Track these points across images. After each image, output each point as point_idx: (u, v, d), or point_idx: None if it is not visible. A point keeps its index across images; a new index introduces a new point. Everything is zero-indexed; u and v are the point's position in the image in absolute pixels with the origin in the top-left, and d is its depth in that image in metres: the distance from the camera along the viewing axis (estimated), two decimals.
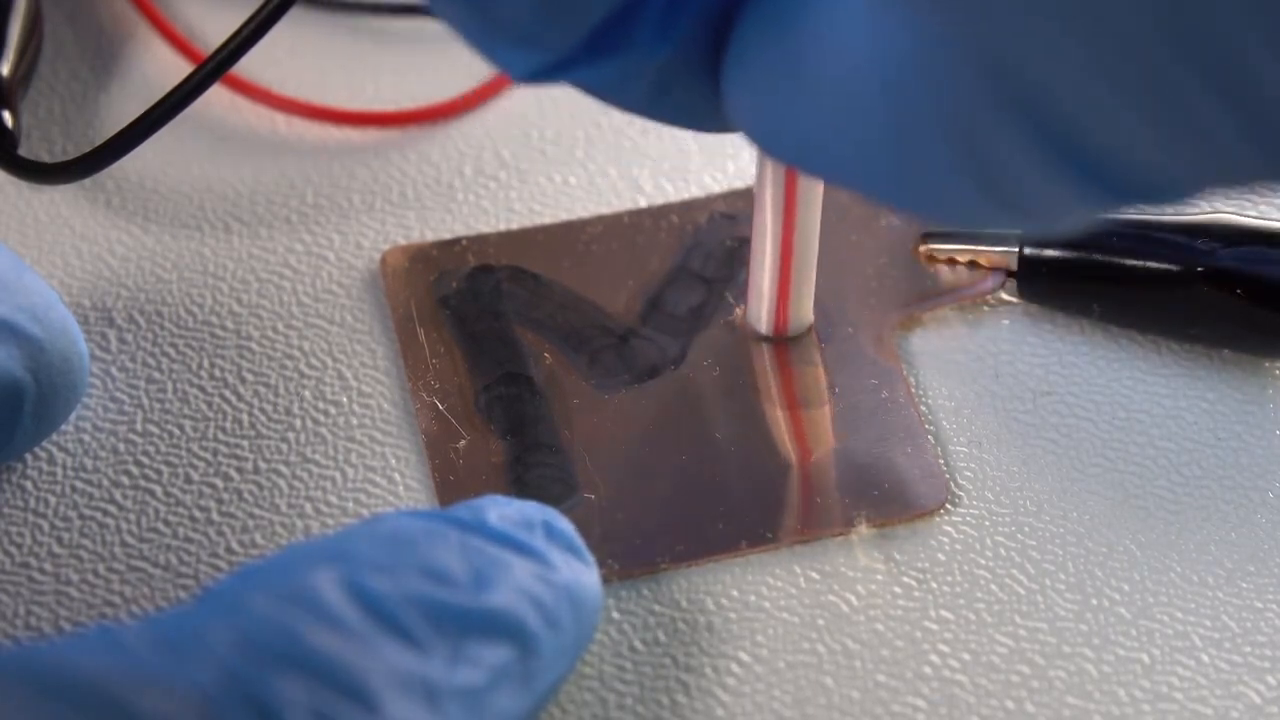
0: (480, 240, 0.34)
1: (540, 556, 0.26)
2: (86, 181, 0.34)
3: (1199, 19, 0.15)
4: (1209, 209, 0.32)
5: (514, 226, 0.34)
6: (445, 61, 0.37)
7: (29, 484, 0.30)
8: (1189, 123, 0.16)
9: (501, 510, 0.26)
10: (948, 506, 0.30)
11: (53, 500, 0.30)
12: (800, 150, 0.22)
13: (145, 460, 0.31)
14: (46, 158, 0.35)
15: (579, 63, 0.22)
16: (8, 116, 0.33)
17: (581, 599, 0.26)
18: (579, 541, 0.27)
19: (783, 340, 0.32)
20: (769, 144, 0.23)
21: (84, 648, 0.23)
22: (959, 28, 0.17)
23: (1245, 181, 0.17)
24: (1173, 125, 0.16)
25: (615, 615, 0.29)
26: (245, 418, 0.31)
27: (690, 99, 0.23)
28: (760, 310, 0.31)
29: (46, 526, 0.30)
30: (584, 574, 0.26)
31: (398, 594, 0.24)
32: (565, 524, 0.27)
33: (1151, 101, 0.16)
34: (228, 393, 0.31)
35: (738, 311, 0.32)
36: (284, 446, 0.31)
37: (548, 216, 0.34)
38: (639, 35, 0.22)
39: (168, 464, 0.31)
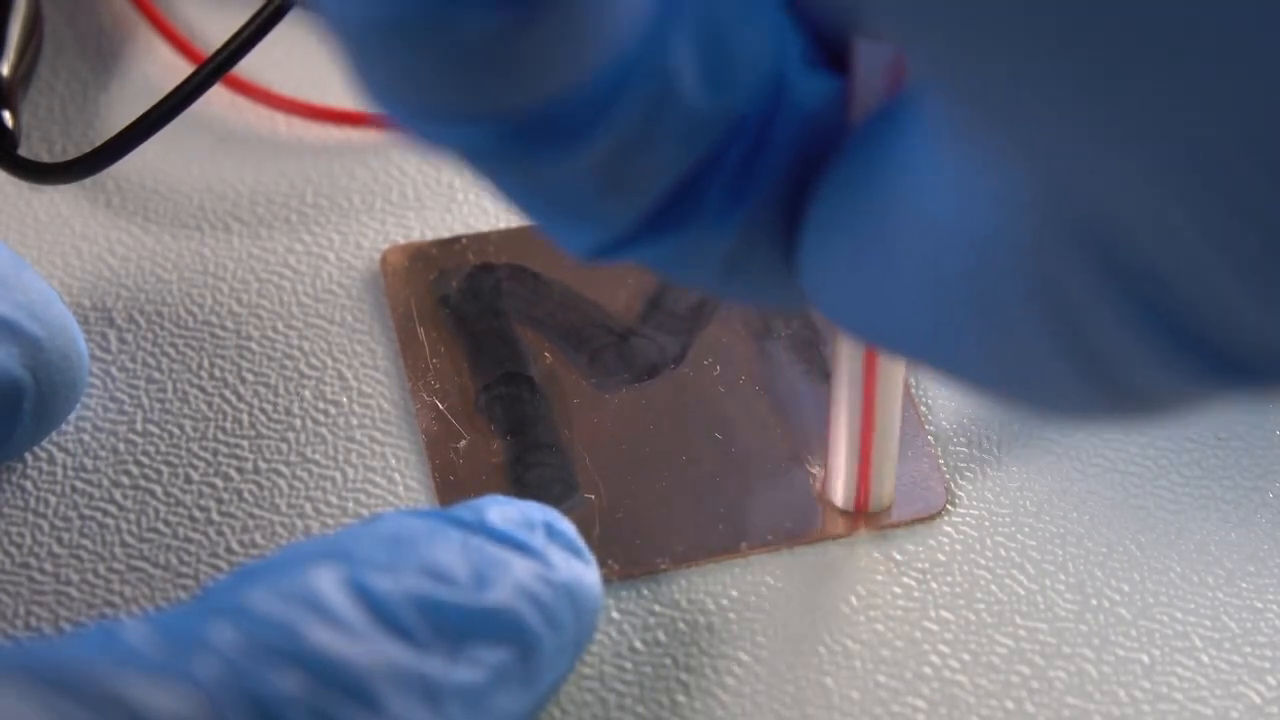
0: (480, 239, 0.34)
1: (540, 556, 0.26)
2: (86, 181, 0.34)
3: None
4: None
5: (514, 225, 0.34)
6: None
7: (29, 484, 0.30)
8: None
9: (502, 510, 0.26)
10: (948, 507, 0.30)
11: (53, 500, 0.30)
12: (880, 333, 0.20)
13: (145, 460, 0.31)
14: (46, 158, 0.35)
15: (642, 240, 0.21)
16: (8, 116, 0.33)
17: (582, 598, 0.26)
18: (579, 542, 0.27)
19: (861, 515, 0.30)
20: (850, 325, 0.21)
21: (86, 645, 0.23)
22: (1047, 188, 0.16)
23: None
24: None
25: (615, 615, 0.29)
26: (245, 417, 0.31)
27: (763, 275, 0.22)
28: (838, 485, 0.30)
29: (46, 526, 0.30)
30: (584, 574, 0.26)
31: (398, 593, 0.24)
32: (566, 524, 0.27)
33: (1256, 261, 0.14)
34: (228, 392, 0.31)
35: (816, 477, 0.30)
36: (284, 446, 0.31)
37: None
38: (704, 211, 0.21)
39: (168, 464, 0.31)
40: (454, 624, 0.24)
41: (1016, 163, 0.16)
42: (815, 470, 0.30)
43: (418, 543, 0.25)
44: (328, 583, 0.24)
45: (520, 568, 0.25)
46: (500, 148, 0.19)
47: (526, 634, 0.25)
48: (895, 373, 0.27)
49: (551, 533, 0.26)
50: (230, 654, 0.23)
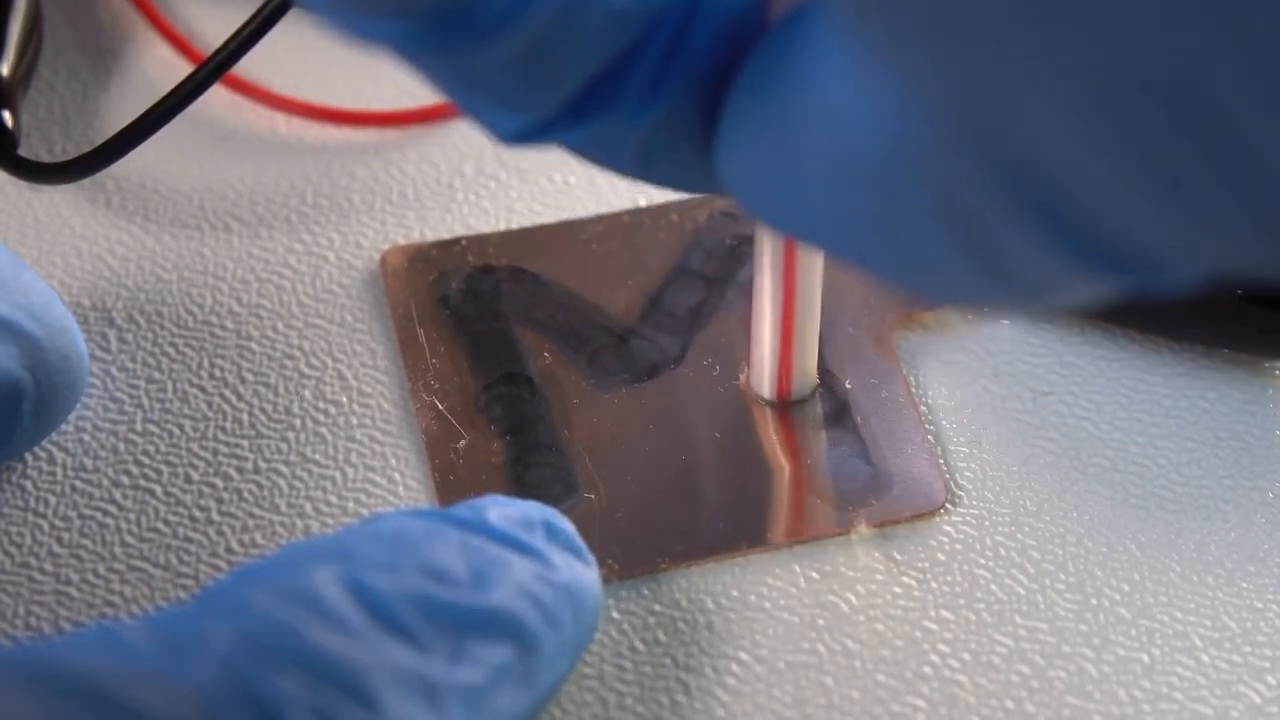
0: (480, 240, 0.34)
1: (540, 556, 0.26)
2: (86, 181, 0.34)
3: (1198, 94, 0.14)
4: None
5: (514, 226, 0.34)
6: None
7: (29, 484, 0.30)
8: (1189, 199, 0.16)
9: (502, 510, 0.26)
10: (947, 506, 0.30)
11: (53, 500, 0.30)
12: (793, 223, 0.21)
13: (145, 460, 0.31)
14: (46, 157, 0.35)
15: (563, 124, 0.22)
16: (8, 116, 0.33)
17: (582, 598, 0.26)
18: (579, 541, 0.27)
19: (786, 405, 0.31)
20: (762, 214, 0.22)
21: (85, 646, 0.23)
22: (950, 101, 0.17)
23: (1249, 261, 0.17)
24: (1172, 202, 0.16)
25: (615, 615, 0.29)
26: (245, 417, 0.31)
27: (681, 163, 0.23)
28: (763, 375, 0.31)
29: (46, 526, 0.30)
30: (584, 574, 0.26)
31: (398, 592, 0.24)
32: (565, 524, 0.27)
33: (1151, 177, 0.16)
34: (228, 392, 0.31)
35: (741, 376, 0.31)
36: (284, 446, 0.31)
37: (548, 216, 0.34)
38: (625, 98, 0.21)
39: (168, 464, 0.31)
40: (454, 623, 0.24)
41: (920, 74, 0.17)
42: (742, 370, 0.31)
43: (417, 542, 0.25)
44: (326, 582, 0.24)
45: (520, 567, 0.25)
46: (427, 40, 0.20)
47: (526, 634, 0.25)
48: (815, 259, 0.28)
49: (551, 532, 0.26)
50: (229, 654, 0.23)
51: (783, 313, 0.29)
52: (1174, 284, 0.18)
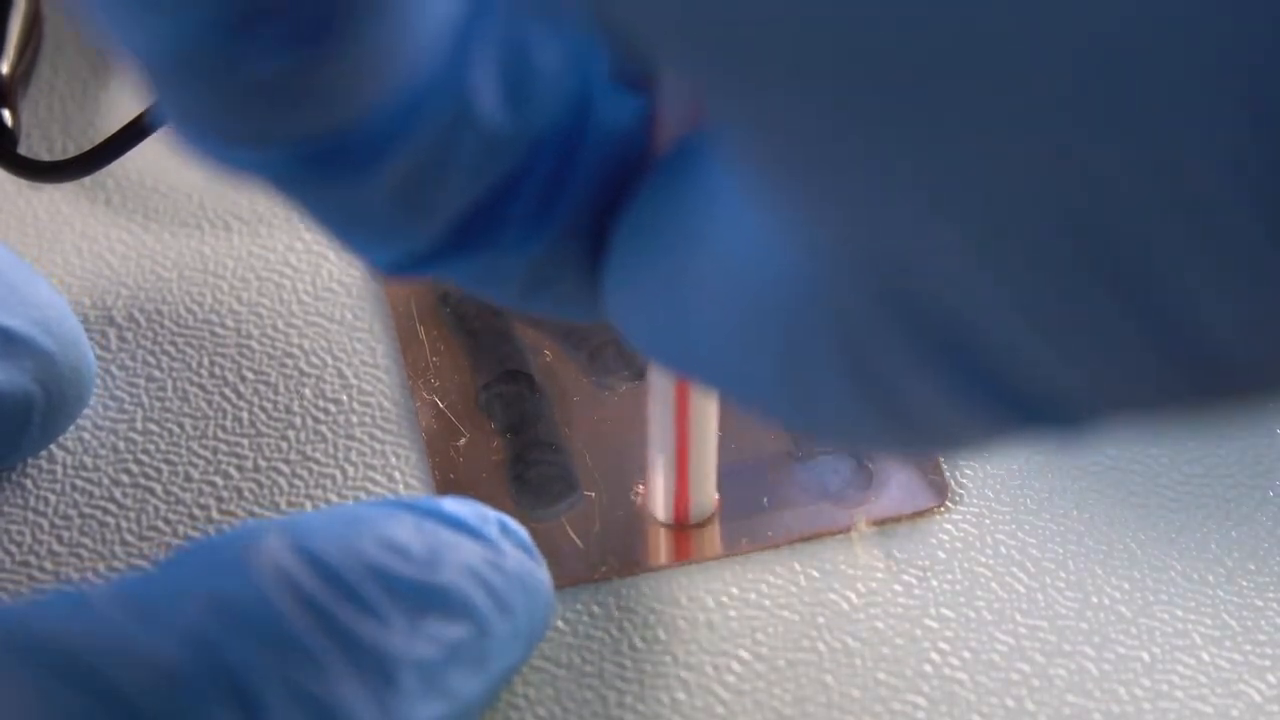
0: None
1: (492, 544, 0.26)
2: (86, 180, 0.34)
3: (1111, 233, 0.13)
4: None
5: None
6: None
7: (29, 483, 0.30)
8: (1096, 338, 0.14)
9: (456, 502, 0.26)
10: (948, 504, 0.30)
11: (53, 499, 0.30)
12: (681, 364, 0.20)
13: (145, 458, 0.31)
14: (46, 156, 0.35)
15: (442, 258, 0.21)
16: (7, 115, 0.33)
17: (534, 590, 0.26)
18: (532, 544, 0.27)
19: (683, 528, 0.30)
20: (650, 353, 0.21)
21: (55, 613, 0.23)
22: (843, 244, 0.16)
23: (1170, 407, 0.15)
24: (1085, 349, 0.14)
25: (615, 613, 0.29)
26: (245, 416, 0.31)
27: (567, 295, 0.22)
28: (658, 501, 0.30)
29: (46, 525, 0.30)
30: (536, 570, 0.26)
31: (357, 566, 0.24)
32: (520, 528, 0.27)
33: (1060, 322, 0.14)
34: (228, 391, 0.31)
35: (639, 491, 0.30)
36: (284, 444, 0.31)
37: None
38: (507, 230, 0.20)
39: (167, 462, 0.31)
40: (410, 598, 0.24)
41: (814, 219, 0.16)
42: (639, 489, 0.30)
43: (372, 521, 0.25)
44: (287, 553, 0.24)
45: (471, 551, 0.25)
46: (296, 172, 0.19)
47: (478, 615, 0.25)
48: (707, 393, 0.27)
49: (505, 529, 0.27)
50: (200, 623, 0.23)
51: (676, 447, 0.28)
52: (1092, 435, 0.16)
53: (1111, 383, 0.15)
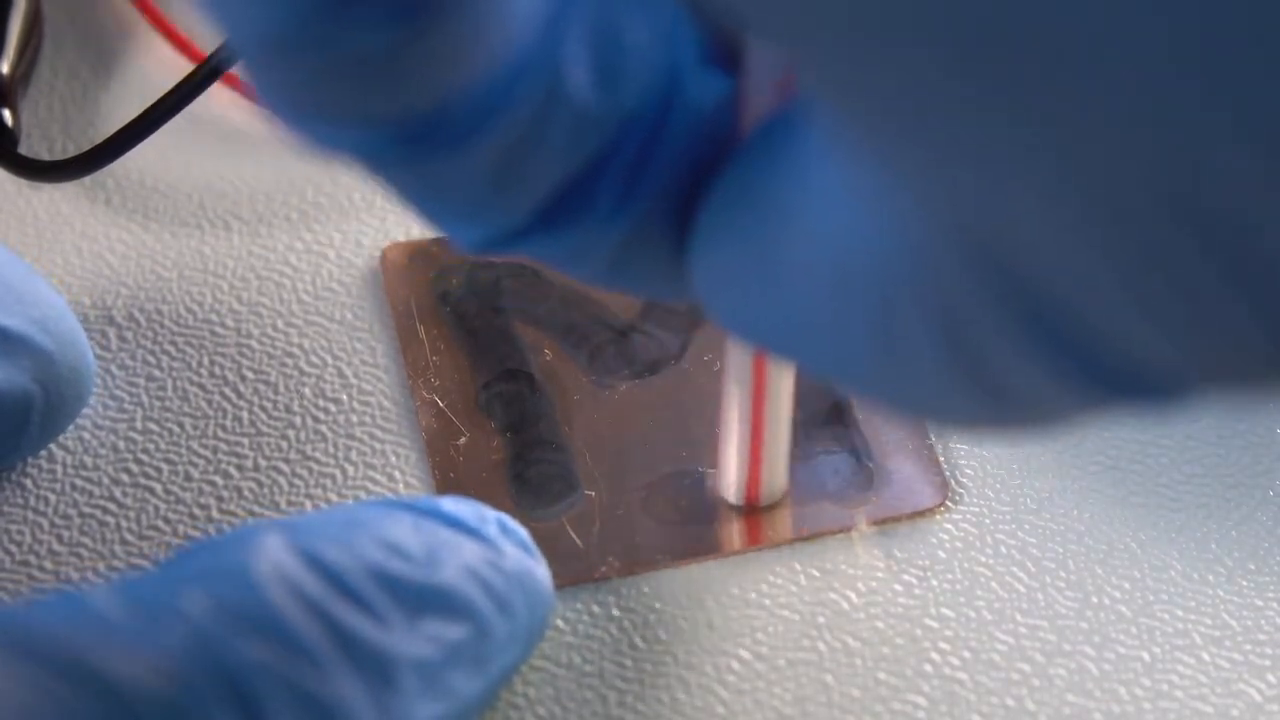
0: None
1: (492, 543, 0.26)
2: (86, 180, 0.34)
3: (1209, 194, 0.13)
4: None
5: None
6: None
7: (29, 482, 0.30)
8: (1201, 314, 0.14)
9: (455, 502, 0.26)
10: (948, 504, 0.30)
11: (52, 498, 0.30)
12: (771, 339, 0.20)
13: (145, 458, 0.31)
14: (46, 156, 0.35)
15: (530, 235, 0.21)
16: (8, 114, 0.33)
17: (533, 590, 0.26)
18: (531, 543, 0.27)
19: (754, 510, 0.30)
20: (738, 330, 0.21)
21: (54, 613, 0.23)
22: (944, 213, 0.16)
23: (1266, 381, 0.15)
24: (1183, 316, 0.14)
25: (615, 612, 0.29)
26: (245, 415, 0.31)
27: (653, 272, 0.22)
28: (729, 482, 0.30)
29: (46, 525, 0.30)
30: (536, 569, 0.26)
31: (355, 565, 0.24)
32: (519, 527, 0.27)
33: (1157, 290, 0.14)
34: (228, 390, 0.31)
35: (710, 475, 0.30)
36: (284, 444, 0.31)
37: None
38: (595, 208, 0.21)
39: (167, 461, 0.31)
40: (410, 598, 0.24)
41: (910, 185, 0.16)
42: (709, 469, 0.30)
43: (372, 521, 0.25)
44: (287, 554, 0.24)
45: (470, 551, 0.26)
46: (392, 151, 0.19)
47: (478, 615, 0.25)
48: (784, 371, 0.27)
49: (504, 528, 0.27)
50: (199, 622, 0.23)
51: (751, 426, 0.28)
52: (1184, 408, 0.16)
53: (1214, 357, 0.15)
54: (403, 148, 0.19)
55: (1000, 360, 0.16)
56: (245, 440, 0.31)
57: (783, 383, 0.27)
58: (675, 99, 0.20)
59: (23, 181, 0.34)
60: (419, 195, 0.20)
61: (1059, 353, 0.16)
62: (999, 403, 0.17)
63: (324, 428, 0.31)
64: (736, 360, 0.27)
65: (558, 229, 0.21)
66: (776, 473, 0.29)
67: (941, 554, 0.30)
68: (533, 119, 0.19)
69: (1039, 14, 0.12)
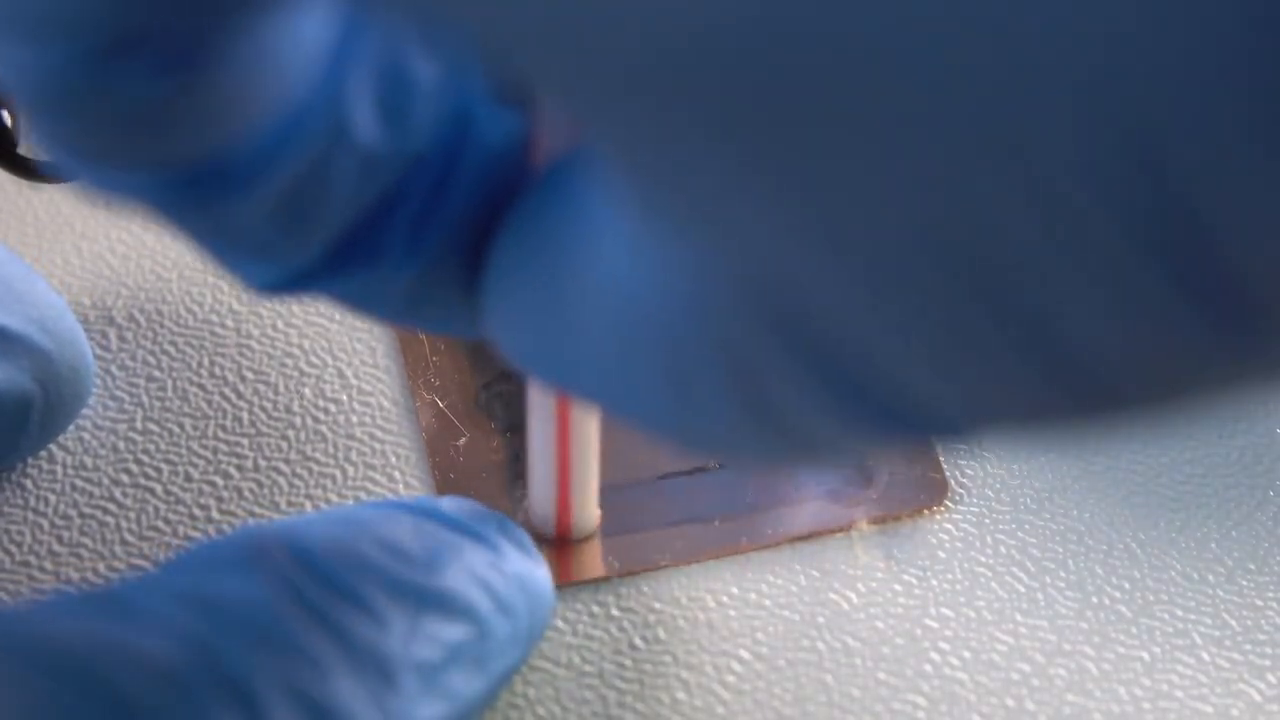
0: None
1: (492, 545, 0.26)
2: None
3: (985, 255, 0.13)
4: None
5: None
6: None
7: (29, 483, 0.30)
8: (979, 367, 0.14)
9: (455, 502, 0.26)
10: (948, 503, 0.30)
11: (52, 499, 0.30)
12: (564, 380, 0.20)
13: (145, 458, 0.31)
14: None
15: (321, 277, 0.21)
16: (7, 115, 0.33)
17: (534, 590, 0.26)
18: (530, 544, 0.27)
19: (566, 542, 0.29)
20: (531, 370, 0.21)
21: (52, 612, 0.23)
22: (721, 259, 0.15)
23: (1051, 417, 0.15)
24: (959, 366, 0.14)
25: (615, 612, 0.29)
26: (245, 415, 0.31)
27: (447, 312, 0.22)
28: (545, 515, 0.29)
29: (46, 525, 0.30)
30: (536, 569, 0.26)
31: (357, 567, 0.24)
32: (518, 527, 0.27)
33: (933, 339, 0.14)
34: (228, 390, 0.31)
35: (525, 506, 0.30)
36: (284, 444, 0.31)
37: None
38: (386, 249, 0.20)
39: (167, 462, 0.31)
40: (410, 599, 0.24)
41: (688, 239, 0.16)
42: (523, 501, 0.30)
43: (371, 523, 0.25)
44: (284, 556, 0.24)
45: (471, 552, 0.26)
46: (174, 195, 0.19)
47: (479, 617, 0.25)
48: (588, 408, 0.27)
49: (504, 528, 0.27)
50: (198, 627, 0.23)
51: (557, 462, 0.28)
52: (961, 440, 0.16)
53: (988, 397, 0.15)
54: (184, 192, 0.19)
55: (785, 401, 0.16)
56: (245, 441, 0.31)
57: (587, 416, 0.27)
58: (466, 137, 0.20)
59: (23, 182, 0.34)
60: (205, 238, 0.20)
61: (842, 394, 0.16)
62: (791, 442, 0.17)
63: (324, 428, 0.31)
64: (537, 395, 0.27)
65: (349, 270, 0.20)
66: (587, 507, 0.29)
67: (941, 554, 0.30)
68: (316, 163, 0.19)
69: (804, 88, 0.12)
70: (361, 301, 0.21)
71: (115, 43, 0.16)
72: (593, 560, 0.29)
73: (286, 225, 0.20)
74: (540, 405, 0.27)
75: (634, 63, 0.13)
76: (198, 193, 0.19)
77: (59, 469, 0.30)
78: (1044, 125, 0.12)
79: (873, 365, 0.15)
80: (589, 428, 0.27)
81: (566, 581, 0.29)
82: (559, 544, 0.29)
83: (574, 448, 0.27)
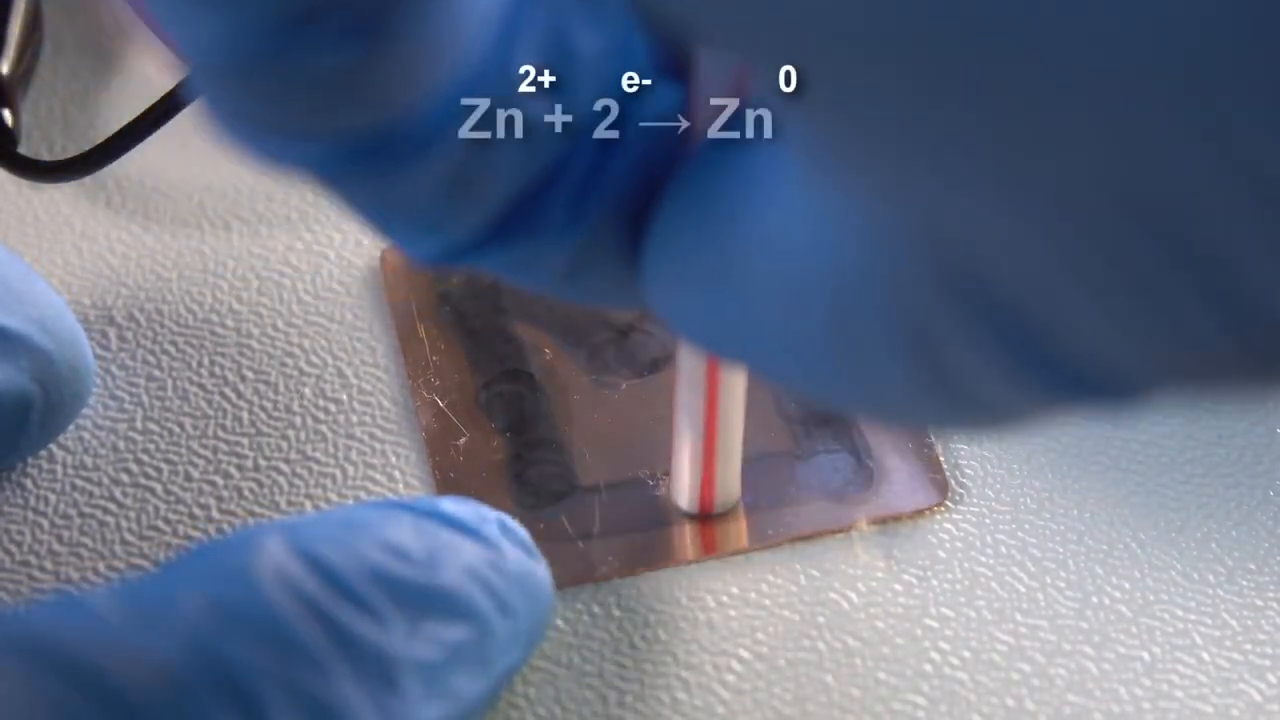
0: None
1: (493, 544, 0.26)
2: (87, 180, 0.34)
3: (1171, 204, 0.13)
4: None
5: None
6: None
7: (29, 482, 0.30)
8: (1165, 321, 0.14)
9: (456, 502, 0.26)
10: (948, 503, 0.30)
11: (53, 499, 0.30)
12: (729, 346, 0.20)
13: (145, 458, 0.31)
14: (47, 156, 0.35)
15: (484, 247, 0.21)
16: (8, 115, 0.33)
17: (534, 591, 0.26)
18: (532, 544, 0.27)
19: (708, 518, 0.30)
20: (693, 337, 0.21)
21: (53, 615, 0.23)
22: (909, 221, 0.16)
23: (1229, 387, 0.15)
24: (1146, 323, 0.15)
25: (616, 612, 0.29)
26: (245, 415, 0.31)
27: (606, 282, 0.22)
28: (683, 489, 0.29)
29: (46, 525, 0.30)
30: (536, 569, 0.26)
31: (357, 567, 0.24)
32: (519, 527, 0.27)
33: (1122, 298, 0.14)
34: (228, 390, 0.31)
35: (663, 485, 0.30)
36: (284, 444, 0.31)
37: None
38: (548, 220, 0.21)
39: (168, 461, 0.31)
40: (411, 600, 0.24)
41: (876, 200, 0.16)
42: (661, 478, 0.30)
43: (371, 523, 0.25)
44: (288, 556, 0.24)
45: (471, 552, 0.26)
46: (345, 165, 0.19)
47: (480, 617, 0.25)
48: (737, 378, 0.27)
49: (505, 528, 0.27)
50: (198, 626, 0.23)
51: (704, 434, 0.28)
52: (1149, 409, 0.16)
53: (1174, 358, 0.15)
54: (356, 162, 0.19)
55: (968, 369, 0.17)
56: (245, 440, 0.31)
57: (736, 389, 0.27)
58: (627, 108, 0.20)
59: (23, 181, 0.34)
60: (372, 209, 0.20)
61: (1024, 357, 0.16)
62: (964, 405, 0.17)
63: (324, 428, 0.31)
64: (688, 366, 0.27)
65: (512, 241, 0.21)
66: (730, 480, 0.29)
67: (941, 554, 0.30)
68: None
69: (975, 35, 0.13)
70: (522, 272, 0.21)
71: (298, 11, 0.17)
72: (738, 533, 0.29)
73: (452, 197, 0.20)
74: (689, 378, 0.27)
75: (842, 22, 0.13)
76: (368, 163, 0.19)
77: (59, 469, 0.30)
78: (1218, 71, 0.12)
79: (1057, 327, 0.15)
80: (737, 400, 0.27)
81: (710, 554, 0.29)
82: (701, 520, 0.30)
83: (721, 420, 0.28)
